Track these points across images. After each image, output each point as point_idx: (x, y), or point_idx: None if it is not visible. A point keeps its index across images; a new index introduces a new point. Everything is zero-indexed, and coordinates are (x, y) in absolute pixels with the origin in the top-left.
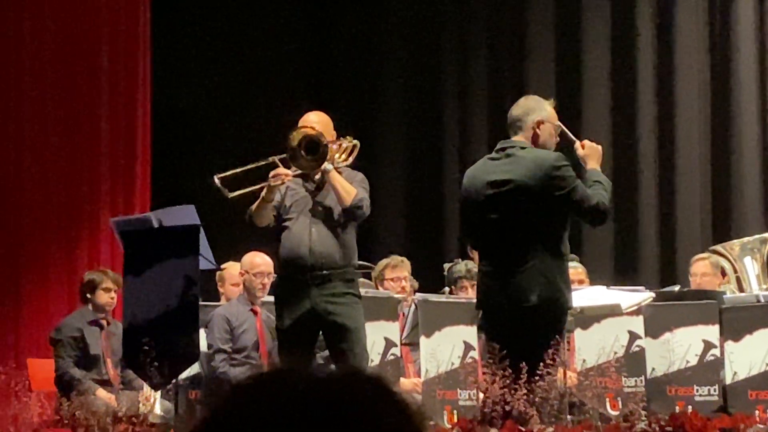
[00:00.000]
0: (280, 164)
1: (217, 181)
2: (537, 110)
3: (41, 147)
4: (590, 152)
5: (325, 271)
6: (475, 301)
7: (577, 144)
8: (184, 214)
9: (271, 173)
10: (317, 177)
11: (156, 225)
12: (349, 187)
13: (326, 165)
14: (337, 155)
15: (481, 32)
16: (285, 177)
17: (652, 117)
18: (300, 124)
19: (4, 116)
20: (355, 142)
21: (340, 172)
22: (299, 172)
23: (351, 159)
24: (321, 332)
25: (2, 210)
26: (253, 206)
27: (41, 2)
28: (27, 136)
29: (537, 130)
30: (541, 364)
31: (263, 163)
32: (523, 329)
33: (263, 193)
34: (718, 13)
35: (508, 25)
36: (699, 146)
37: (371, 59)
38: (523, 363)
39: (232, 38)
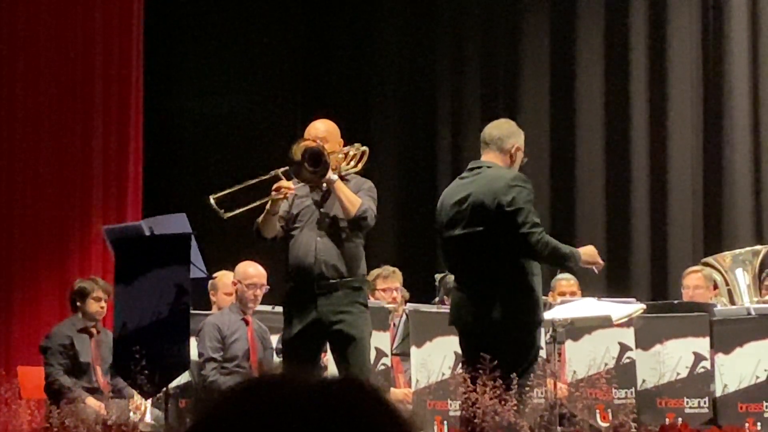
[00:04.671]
0: (283, 177)
1: (212, 201)
2: (516, 136)
3: (33, 154)
4: (590, 251)
5: (331, 281)
6: None
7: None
8: (176, 223)
9: (275, 186)
10: (324, 186)
11: (147, 233)
12: (353, 198)
13: (331, 175)
14: (344, 163)
15: (476, 42)
16: (287, 190)
17: (645, 129)
18: (306, 132)
19: None
20: (364, 148)
21: (348, 180)
22: (302, 184)
23: (360, 165)
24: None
25: None
26: (260, 218)
27: (35, 10)
28: (19, 143)
29: (513, 156)
30: (516, 377)
31: (265, 177)
32: (489, 345)
33: (267, 206)
34: (711, 31)
35: (502, 36)
36: (690, 158)
37: (365, 68)
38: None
39: (225, 45)
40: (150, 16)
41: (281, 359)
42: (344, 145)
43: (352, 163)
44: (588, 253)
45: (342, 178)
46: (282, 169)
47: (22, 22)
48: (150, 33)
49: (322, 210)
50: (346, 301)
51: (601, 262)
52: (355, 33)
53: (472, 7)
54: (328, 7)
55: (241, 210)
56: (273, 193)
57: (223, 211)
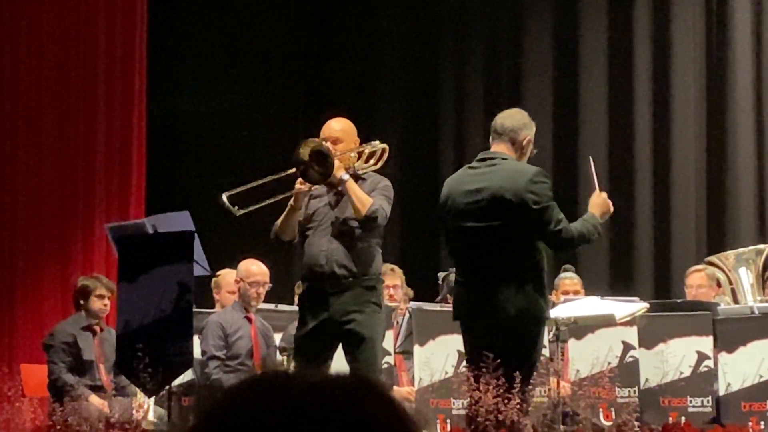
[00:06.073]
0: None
1: (224, 198)
2: (529, 128)
3: (36, 152)
4: (598, 201)
5: (342, 281)
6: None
7: (597, 192)
8: (179, 220)
9: (299, 179)
10: (340, 187)
11: (150, 231)
12: (364, 198)
13: (342, 175)
14: (361, 161)
15: (479, 39)
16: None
17: (648, 128)
18: (321, 131)
19: None
20: (383, 145)
21: (363, 179)
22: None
23: (381, 163)
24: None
25: None
26: (279, 221)
27: (37, 10)
28: (21, 140)
29: (524, 148)
30: (518, 373)
31: (283, 174)
32: (500, 340)
33: (291, 201)
34: (715, 29)
35: (505, 32)
36: (694, 157)
37: (368, 66)
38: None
39: (228, 43)
40: (153, 15)
41: (284, 357)
42: (360, 143)
43: (372, 161)
44: (596, 204)
45: (358, 176)
46: (291, 170)
47: (24, 21)
48: (153, 31)
49: (335, 211)
50: (358, 301)
51: (611, 206)
52: (357, 29)
53: (474, 0)
54: (329, 3)
55: (255, 206)
56: (297, 186)
57: (236, 208)
